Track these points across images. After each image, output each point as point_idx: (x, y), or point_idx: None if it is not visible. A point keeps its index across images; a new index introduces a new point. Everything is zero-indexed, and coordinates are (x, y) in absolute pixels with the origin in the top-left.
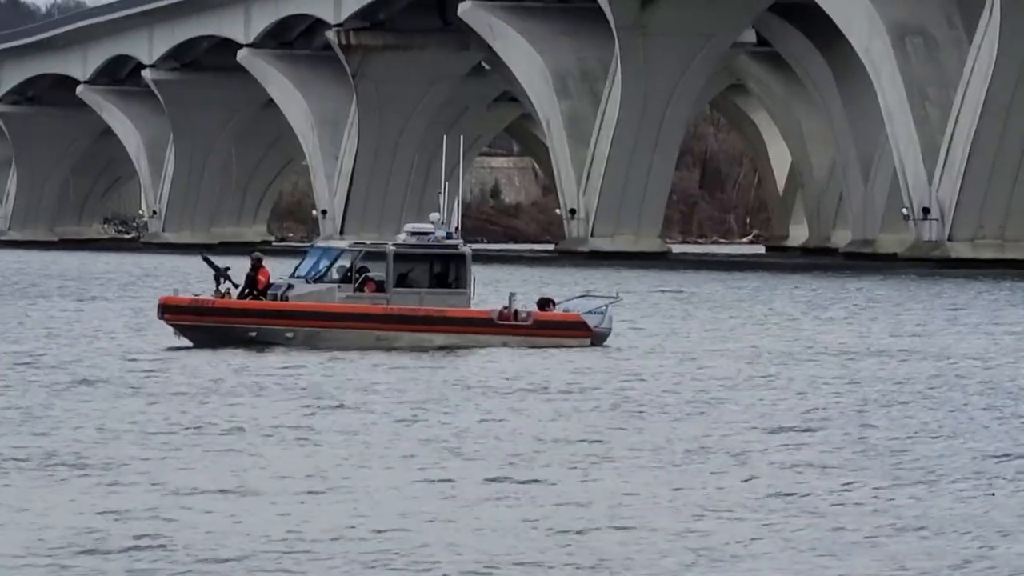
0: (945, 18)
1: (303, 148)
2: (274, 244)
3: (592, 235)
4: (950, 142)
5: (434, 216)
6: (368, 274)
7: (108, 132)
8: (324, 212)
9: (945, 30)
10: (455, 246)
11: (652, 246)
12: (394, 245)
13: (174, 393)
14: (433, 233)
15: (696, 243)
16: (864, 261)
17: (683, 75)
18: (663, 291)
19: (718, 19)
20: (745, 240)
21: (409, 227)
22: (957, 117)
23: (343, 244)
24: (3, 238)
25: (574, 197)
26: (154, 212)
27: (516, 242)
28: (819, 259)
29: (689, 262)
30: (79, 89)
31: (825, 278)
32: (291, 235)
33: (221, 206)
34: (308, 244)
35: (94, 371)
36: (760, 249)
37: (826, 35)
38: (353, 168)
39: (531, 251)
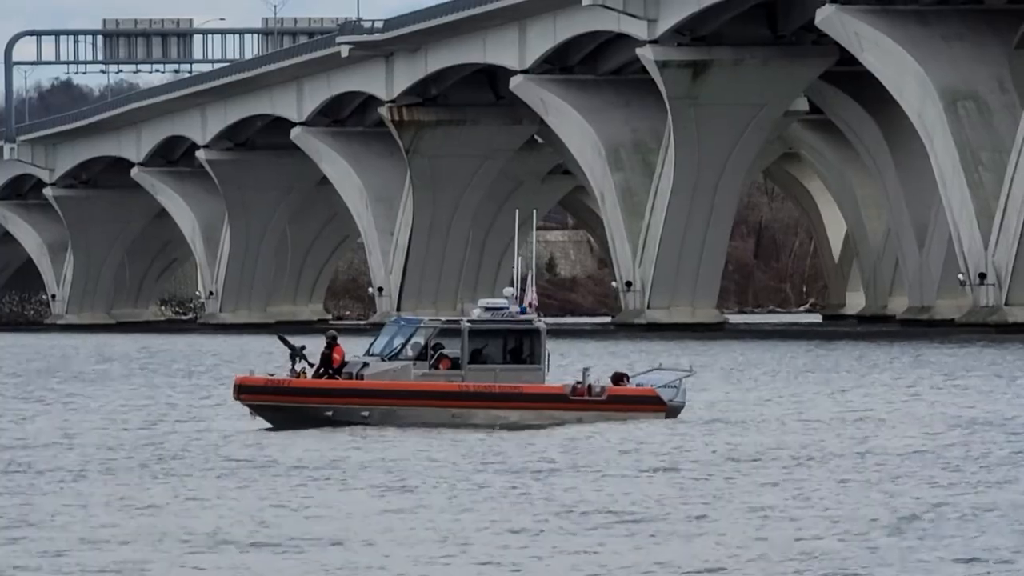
0: (997, 82)
1: (358, 225)
2: (330, 322)
3: (648, 307)
4: (1005, 206)
5: (507, 291)
6: (443, 351)
7: (163, 213)
8: (380, 289)
9: (997, 95)
10: (529, 321)
11: (709, 317)
12: (469, 321)
13: (258, 472)
14: (507, 308)
15: (753, 313)
16: (922, 327)
17: (736, 144)
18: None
19: (770, 88)
20: (802, 309)
21: (483, 302)
22: (1011, 181)
23: (418, 321)
24: (60, 321)
25: (629, 269)
26: (210, 293)
27: (573, 315)
28: (877, 327)
29: (748, 332)
30: (133, 171)
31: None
32: (347, 313)
33: (277, 285)
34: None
35: (175, 453)
36: (817, 318)
37: (878, 102)
38: (408, 244)
39: (588, 324)
